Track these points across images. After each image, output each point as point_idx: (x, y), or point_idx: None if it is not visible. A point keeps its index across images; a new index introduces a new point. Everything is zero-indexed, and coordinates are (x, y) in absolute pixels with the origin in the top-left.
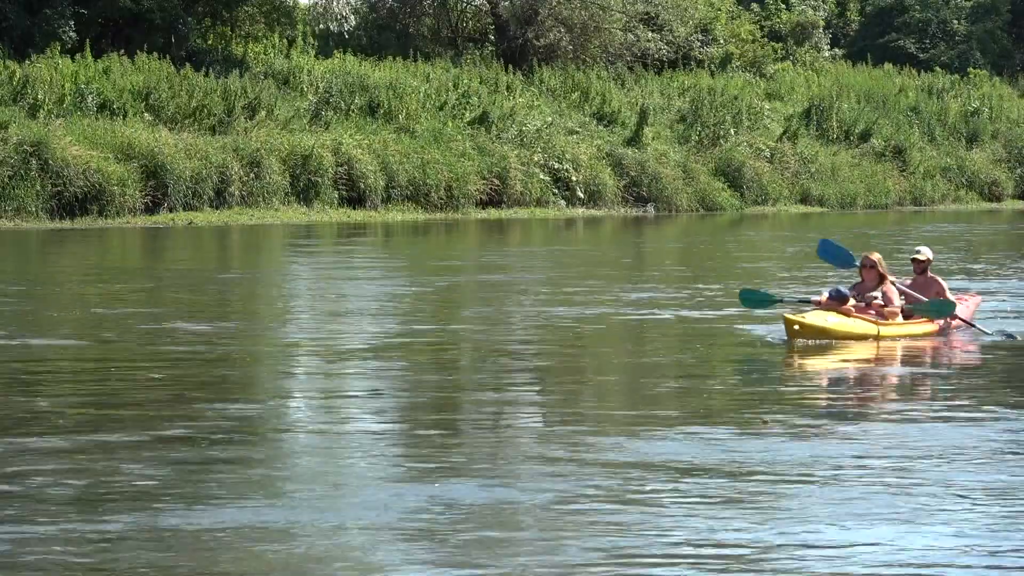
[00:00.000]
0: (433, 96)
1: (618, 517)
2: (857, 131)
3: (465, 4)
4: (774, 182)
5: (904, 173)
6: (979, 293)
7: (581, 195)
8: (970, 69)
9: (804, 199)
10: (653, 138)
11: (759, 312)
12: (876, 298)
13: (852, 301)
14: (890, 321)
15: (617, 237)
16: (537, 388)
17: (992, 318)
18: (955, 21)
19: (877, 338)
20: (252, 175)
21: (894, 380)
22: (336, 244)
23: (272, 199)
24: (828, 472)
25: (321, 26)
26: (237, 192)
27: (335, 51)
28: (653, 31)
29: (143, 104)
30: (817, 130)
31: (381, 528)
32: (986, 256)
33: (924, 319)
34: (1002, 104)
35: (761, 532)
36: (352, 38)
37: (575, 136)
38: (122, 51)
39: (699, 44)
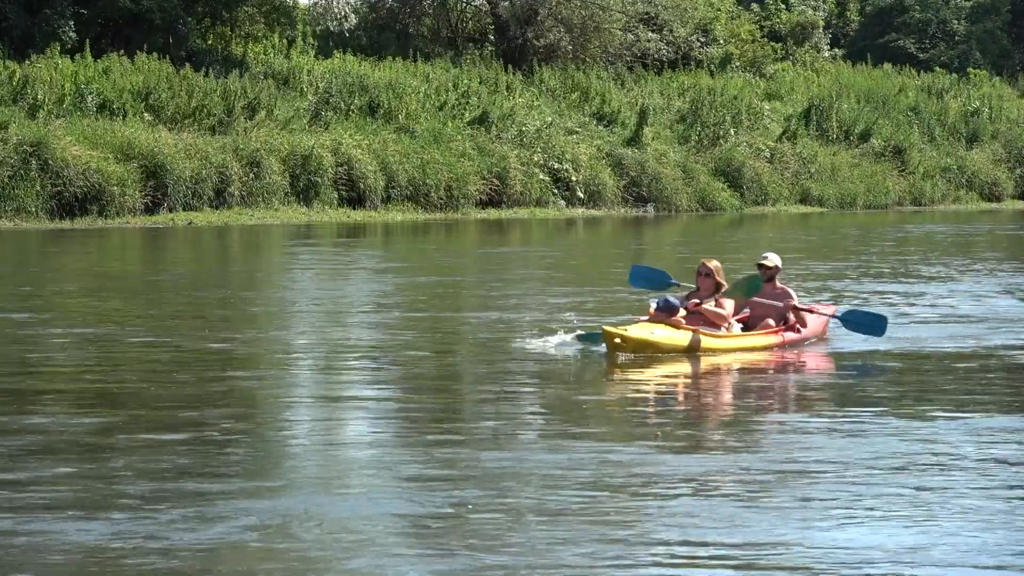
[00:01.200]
0: (433, 96)
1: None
2: (857, 131)
3: (465, 4)
4: (774, 182)
5: (904, 173)
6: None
7: (581, 195)
8: (970, 69)
9: (804, 199)
10: (653, 138)
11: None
12: (709, 307)
13: (683, 312)
14: (722, 333)
15: (597, 238)
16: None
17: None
18: (955, 21)
19: (707, 350)
20: (252, 175)
21: (732, 392)
22: (308, 246)
23: (272, 199)
24: (722, 482)
25: (321, 26)
26: (237, 192)
27: (335, 51)
28: (653, 31)
29: (143, 104)
30: (817, 130)
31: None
32: (941, 259)
33: (762, 331)
34: (1002, 104)
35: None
36: (352, 38)
37: (575, 136)
38: (122, 51)
39: (699, 44)
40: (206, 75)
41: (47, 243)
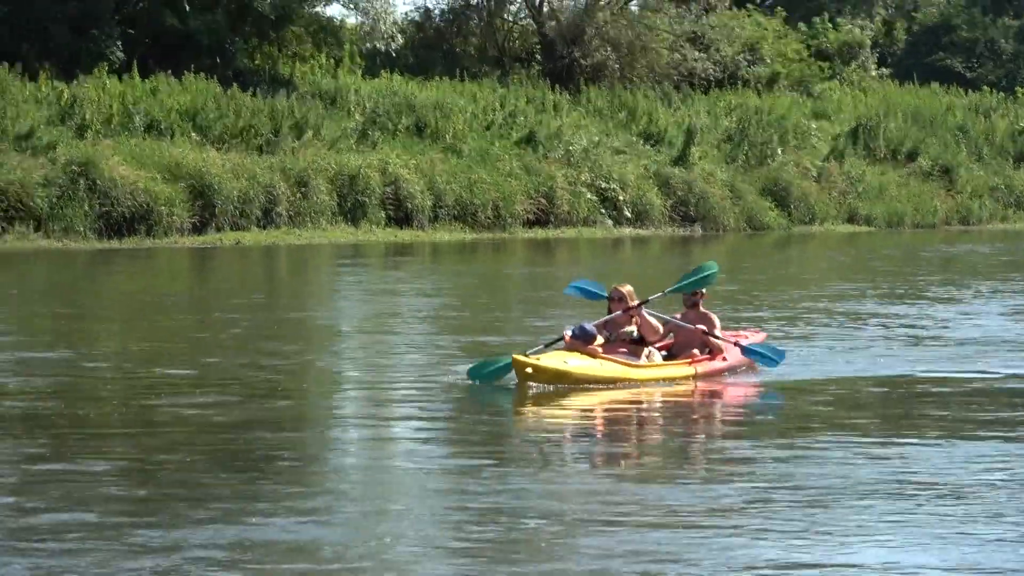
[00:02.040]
0: (480, 116)
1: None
2: (904, 150)
3: (512, 24)
4: (821, 201)
5: (951, 192)
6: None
7: (628, 214)
8: (1018, 88)
9: (851, 218)
10: (700, 157)
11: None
12: (631, 334)
13: (600, 339)
14: (641, 363)
15: (640, 258)
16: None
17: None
18: (1002, 40)
19: (625, 381)
20: (299, 195)
21: (666, 421)
22: (345, 267)
23: (319, 219)
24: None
25: (368, 46)
26: (284, 212)
27: (382, 71)
28: (700, 50)
29: (190, 124)
30: (864, 149)
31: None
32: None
33: (685, 360)
34: None
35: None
36: (399, 58)
37: (622, 155)
38: (169, 71)
39: (746, 63)
40: (253, 95)
41: (93, 263)
